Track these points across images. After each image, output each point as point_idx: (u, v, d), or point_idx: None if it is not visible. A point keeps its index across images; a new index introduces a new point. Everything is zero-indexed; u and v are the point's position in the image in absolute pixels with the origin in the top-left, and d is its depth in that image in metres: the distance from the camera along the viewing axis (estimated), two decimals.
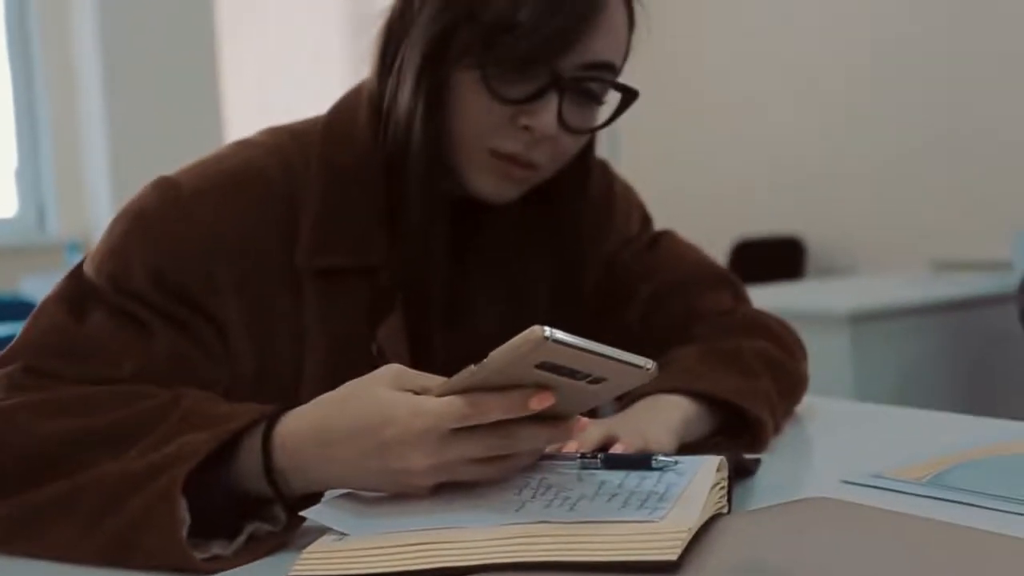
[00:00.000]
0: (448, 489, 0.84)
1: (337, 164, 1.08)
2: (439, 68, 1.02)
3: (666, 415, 1.05)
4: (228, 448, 0.86)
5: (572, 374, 0.77)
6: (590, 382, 0.78)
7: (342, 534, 0.81)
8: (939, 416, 1.27)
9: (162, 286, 1.00)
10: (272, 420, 0.87)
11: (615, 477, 0.86)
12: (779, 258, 5.30)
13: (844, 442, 1.18)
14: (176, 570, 0.82)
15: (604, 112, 1.09)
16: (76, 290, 1.03)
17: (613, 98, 1.08)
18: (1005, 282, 2.78)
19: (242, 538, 0.85)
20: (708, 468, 0.86)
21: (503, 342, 0.76)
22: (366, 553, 0.77)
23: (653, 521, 0.76)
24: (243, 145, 1.12)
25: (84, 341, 0.99)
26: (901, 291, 3.03)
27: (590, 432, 0.95)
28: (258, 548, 0.84)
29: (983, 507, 0.85)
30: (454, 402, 0.79)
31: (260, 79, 5.50)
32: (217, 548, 0.83)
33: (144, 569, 0.83)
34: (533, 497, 0.83)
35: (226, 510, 0.86)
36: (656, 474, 0.86)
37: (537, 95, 1.02)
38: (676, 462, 0.88)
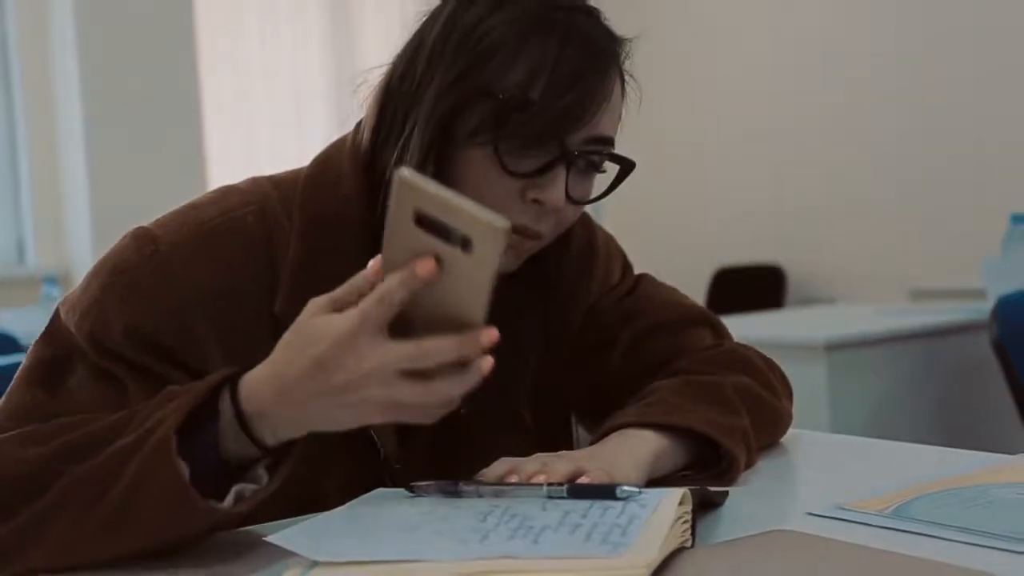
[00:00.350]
0: (413, 515, 0.86)
1: (317, 213, 1.09)
2: (449, 144, 1.04)
3: (635, 449, 1.06)
4: (206, 413, 0.90)
5: (445, 233, 0.81)
6: (463, 248, 0.81)
7: (308, 567, 0.81)
8: (907, 447, 1.28)
9: (140, 342, 1.02)
10: (238, 375, 0.92)
11: (580, 507, 0.87)
12: (759, 286, 5.33)
13: (812, 474, 1.18)
14: (179, 519, 0.87)
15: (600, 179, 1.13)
16: (53, 355, 1.04)
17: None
18: (981, 309, 2.80)
19: (230, 498, 0.90)
20: (671, 501, 0.86)
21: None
22: None
23: (614, 557, 0.76)
24: (222, 193, 1.13)
25: (61, 405, 1.00)
26: (877, 320, 3.05)
27: (558, 465, 0.97)
28: (243, 505, 0.90)
29: (943, 538, 0.85)
30: (367, 300, 0.84)
31: (241, 114, 5.51)
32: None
33: (148, 528, 0.87)
34: (497, 525, 0.84)
35: (214, 476, 0.90)
36: (620, 504, 0.87)
37: (546, 169, 1.04)
38: (640, 492, 0.89)
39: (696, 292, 5.26)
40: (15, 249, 5.06)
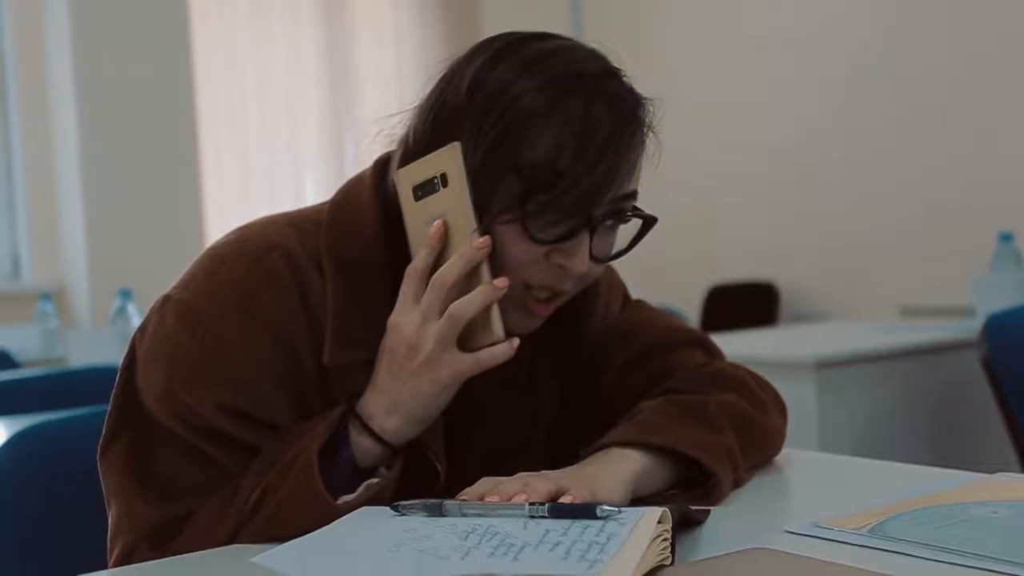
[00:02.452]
0: (397, 533, 0.88)
1: (346, 259, 1.10)
2: (481, 217, 1.05)
3: (618, 468, 1.07)
4: (335, 440, 1.06)
5: (432, 186, 1.04)
6: (444, 185, 1.04)
7: None
8: (888, 465, 1.29)
9: (227, 418, 1.06)
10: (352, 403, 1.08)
11: (560, 526, 0.89)
12: (753, 303, 5.35)
13: (793, 492, 1.20)
14: (320, 522, 0.98)
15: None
16: (135, 437, 1.09)
17: None
18: (970, 327, 2.82)
19: (361, 489, 1.04)
20: (649, 519, 0.88)
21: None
22: None
23: (591, 574, 0.78)
24: (241, 239, 1.13)
25: (179, 506, 1.08)
26: (867, 338, 3.06)
27: (539, 484, 0.98)
28: (367, 493, 1.04)
29: (919, 557, 0.87)
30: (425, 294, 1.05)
31: (236, 129, 5.52)
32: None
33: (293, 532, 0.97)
34: (479, 543, 0.86)
35: (350, 481, 1.05)
36: (600, 523, 0.88)
37: (571, 235, 1.06)
38: (619, 511, 0.90)
39: (690, 309, 5.28)
40: (10, 265, 5.07)
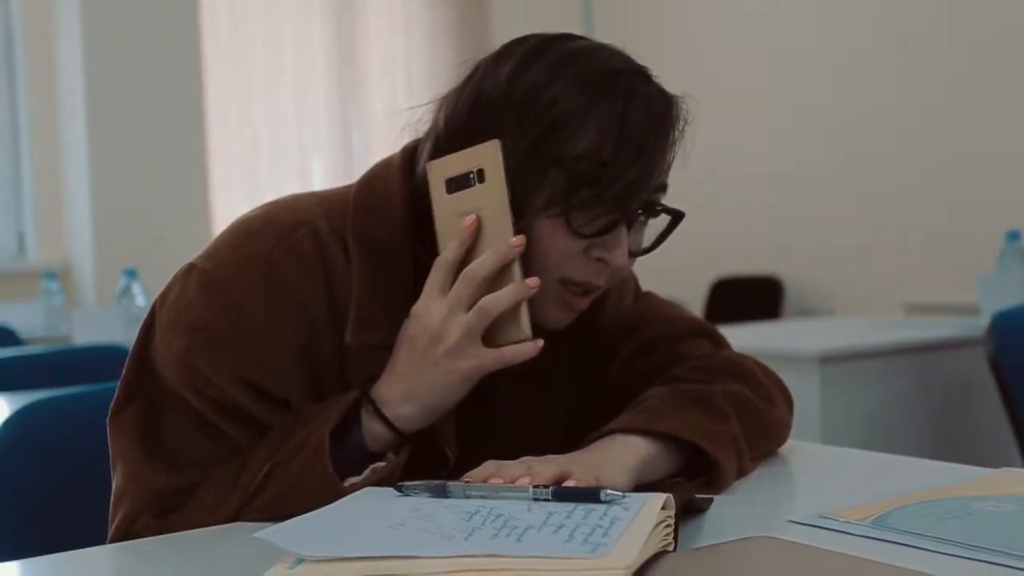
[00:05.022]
0: (401, 513, 0.89)
1: (372, 241, 1.10)
2: (523, 215, 1.06)
3: (622, 454, 1.07)
4: (346, 422, 1.07)
5: (466, 180, 1.05)
6: (480, 181, 1.04)
7: (295, 562, 0.82)
8: (894, 459, 1.29)
9: (241, 390, 1.06)
10: (367, 388, 1.08)
11: (564, 509, 0.89)
12: (758, 297, 5.34)
13: (798, 483, 1.20)
14: (327, 499, 0.97)
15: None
16: (147, 405, 1.09)
17: None
18: (975, 325, 2.81)
19: (367, 472, 1.05)
20: (653, 504, 0.88)
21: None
22: None
23: (595, 557, 0.78)
24: (270, 213, 1.13)
25: (186, 476, 1.08)
26: (871, 333, 3.06)
27: (543, 468, 0.98)
28: (374, 476, 1.05)
29: (922, 548, 0.87)
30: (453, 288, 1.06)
31: (243, 111, 5.52)
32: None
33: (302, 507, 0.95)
34: (482, 524, 0.86)
35: (359, 462, 1.06)
36: (603, 507, 0.88)
37: (610, 228, 1.07)
38: (623, 496, 0.90)
39: (695, 302, 5.28)
40: (16, 243, 5.07)
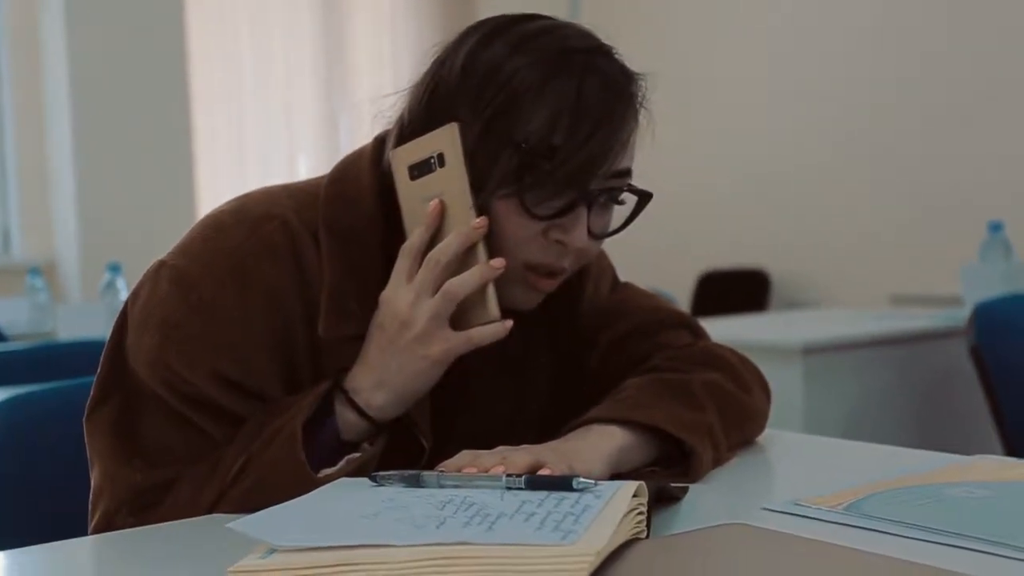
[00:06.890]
0: (374, 503, 0.89)
1: (343, 233, 1.10)
2: (478, 196, 1.06)
3: (598, 443, 1.07)
4: (321, 413, 1.07)
5: (428, 166, 1.05)
6: (441, 165, 1.05)
7: (267, 551, 0.83)
8: (871, 447, 1.30)
9: (219, 386, 1.06)
10: (339, 379, 1.08)
11: (536, 497, 0.89)
12: (744, 290, 5.35)
13: (773, 470, 1.20)
14: (300, 490, 0.97)
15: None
16: (122, 402, 1.09)
17: None
18: (958, 316, 2.83)
19: (342, 463, 1.05)
20: (625, 492, 0.88)
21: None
22: (290, 573, 0.80)
23: (565, 544, 0.78)
24: (239, 206, 1.13)
25: (163, 473, 1.07)
26: (855, 324, 3.07)
27: (517, 457, 0.98)
28: (348, 467, 1.05)
29: (896, 535, 0.87)
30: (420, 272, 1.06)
31: (229, 107, 5.50)
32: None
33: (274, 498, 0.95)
34: (455, 513, 0.86)
35: (332, 453, 1.06)
36: (575, 495, 0.89)
37: (568, 210, 1.07)
38: (595, 484, 0.91)
39: (682, 295, 5.29)
40: (0, 239, 5.06)
